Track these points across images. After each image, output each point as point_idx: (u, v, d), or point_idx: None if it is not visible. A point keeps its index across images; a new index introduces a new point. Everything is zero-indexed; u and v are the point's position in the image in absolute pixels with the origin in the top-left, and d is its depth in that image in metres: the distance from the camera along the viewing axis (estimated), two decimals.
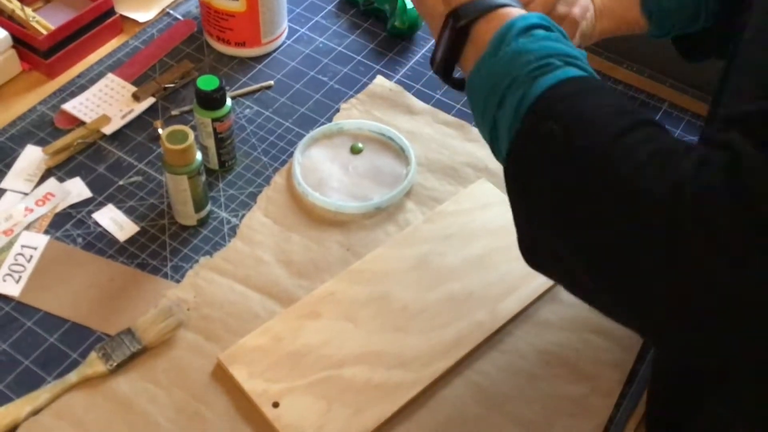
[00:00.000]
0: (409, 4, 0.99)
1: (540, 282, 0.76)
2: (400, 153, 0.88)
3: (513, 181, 0.52)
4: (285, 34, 1.00)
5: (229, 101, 0.81)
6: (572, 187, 0.47)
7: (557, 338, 0.74)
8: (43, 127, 0.88)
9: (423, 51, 1.00)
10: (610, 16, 0.75)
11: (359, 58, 0.99)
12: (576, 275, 0.50)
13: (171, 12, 1.02)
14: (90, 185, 0.83)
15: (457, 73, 0.60)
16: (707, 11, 0.73)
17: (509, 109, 0.51)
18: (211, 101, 0.79)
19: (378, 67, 0.98)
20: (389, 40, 1.01)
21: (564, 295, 0.77)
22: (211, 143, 0.82)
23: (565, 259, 0.49)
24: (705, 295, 0.42)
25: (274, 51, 0.99)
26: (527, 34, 0.53)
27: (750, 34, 0.55)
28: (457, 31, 0.56)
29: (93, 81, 0.93)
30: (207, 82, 0.78)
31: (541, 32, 0.53)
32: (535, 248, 0.54)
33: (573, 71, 0.51)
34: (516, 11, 0.56)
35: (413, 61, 0.99)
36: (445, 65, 0.59)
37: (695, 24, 0.75)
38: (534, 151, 0.50)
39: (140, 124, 0.89)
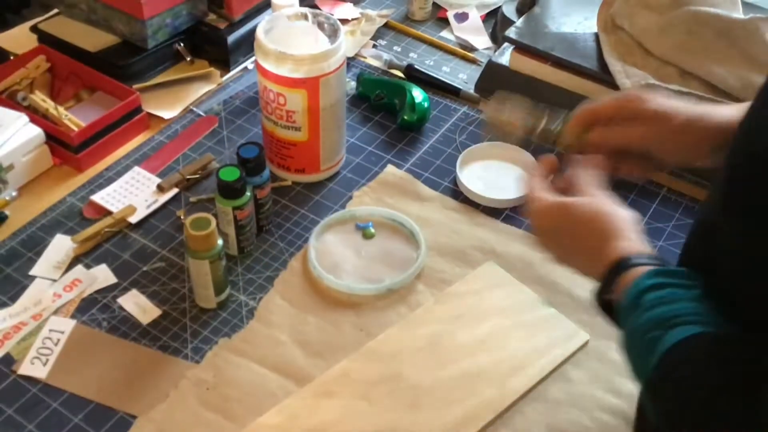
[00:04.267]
0: (418, 99, 1.05)
1: (548, 360, 0.79)
2: (410, 237, 0.92)
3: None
4: (343, 161, 1.01)
5: (248, 191, 0.85)
6: None
7: (567, 416, 0.76)
8: (72, 217, 0.93)
9: (431, 141, 1.05)
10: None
11: (371, 148, 1.04)
12: None
13: (194, 109, 1.09)
14: (115, 271, 0.87)
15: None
16: None
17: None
18: (232, 191, 0.84)
19: (389, 156, 1.03)
20: (399, 132, 1.07)
21: (573, 373, 0.79)
22: (231, 230, 0.86)
23: None
24: None
25: (333, 177, 1.00)
26: (636, 305, 0.58)
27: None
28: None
29: (120, 173, 0.98)
30: (228, 173, 0.83)
31: (650, 296, 0.57)
32: None
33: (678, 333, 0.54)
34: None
35: (422, 151, 1.04)
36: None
37: None
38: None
39: (164, 213, 0.94)
